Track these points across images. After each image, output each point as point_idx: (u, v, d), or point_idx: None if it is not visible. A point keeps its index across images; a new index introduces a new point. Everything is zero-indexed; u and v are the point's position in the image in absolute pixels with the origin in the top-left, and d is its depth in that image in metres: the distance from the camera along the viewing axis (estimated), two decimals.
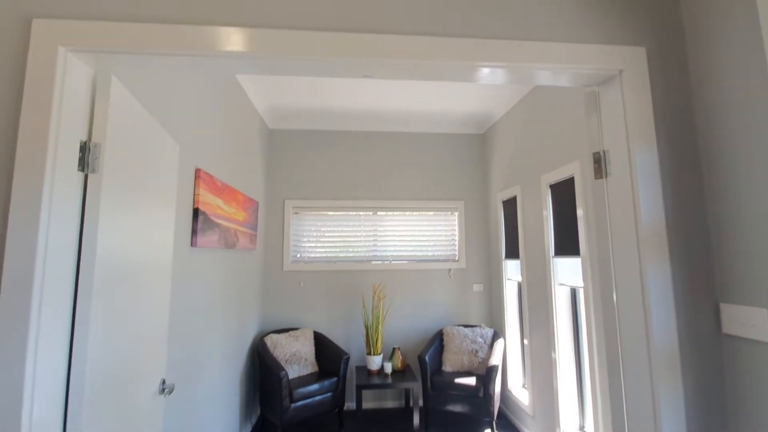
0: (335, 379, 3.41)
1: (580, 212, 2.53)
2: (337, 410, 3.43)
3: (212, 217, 2.54)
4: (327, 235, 4.21)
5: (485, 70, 1.18)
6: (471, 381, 3.34)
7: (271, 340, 3.54)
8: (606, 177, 1.19)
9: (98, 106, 1.06)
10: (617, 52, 1.20)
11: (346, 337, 4.04)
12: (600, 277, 1.20)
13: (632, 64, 1.20)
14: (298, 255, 4.15)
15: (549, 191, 3.00)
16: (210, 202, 2.51)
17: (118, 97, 1.15)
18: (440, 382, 3.40)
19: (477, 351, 3.68)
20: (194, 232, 2.25)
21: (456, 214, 4.36)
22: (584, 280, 2.47)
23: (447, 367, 3.67)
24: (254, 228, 3.63)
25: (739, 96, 1.11)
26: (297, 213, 4.22)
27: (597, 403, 2.32)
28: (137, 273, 1.36)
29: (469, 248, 4.30)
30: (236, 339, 3.09)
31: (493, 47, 1.16)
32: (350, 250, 4.20)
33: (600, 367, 2.30)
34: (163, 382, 1.57)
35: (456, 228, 4.34)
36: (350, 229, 4.23)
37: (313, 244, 4.19)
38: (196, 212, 2.28)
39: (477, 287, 4.24)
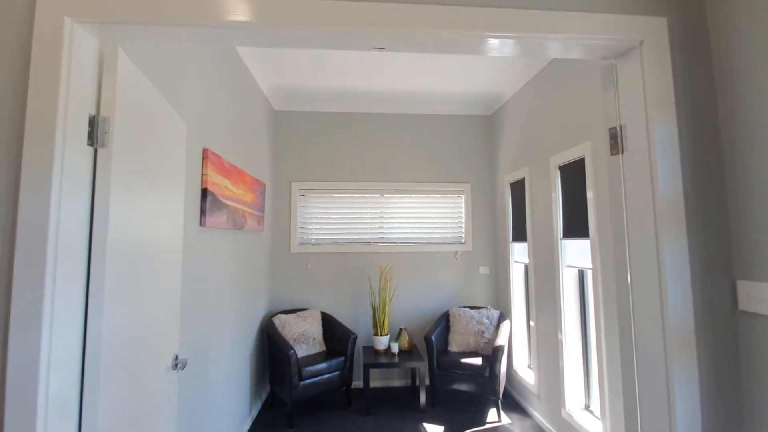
0: (343, 358, 3.45)
1: (590, 194, 2.50)
2: (344, 388, 3.49)
3: (220, 198, 2.54)
4: (334, 218, 4.21)
5: (495, 42, 1.14)
6: (477, 361, 3.37)
7: (279, 320, 3.58)
8: (622, 152, 1.16)
9: (106, 79, 1.05)
10: (637, 23, 1.16)
11: (353, 317, 4.08)
12: (615, 254, 1.18)
13: (653, 35, 1.16)
14: (305, 237, 4.16)
15: (558, 173, 2.96)
16: (218, 183, 2.50)
17: (126, 71, 1.13)
18: (446, 361, 3.43)
19: (483, 332, 3.71)
20: (203, 212, 2.26)
21: (463, 196, 4.33)
22: (593, 261, 2.45)
23: (453, 348, 3.70)
24: (261, 210, 3.63)
25: (762, 71, 1.07)
26: (304, 195, 4.21)
27: (603, 382, 2.33)
28: (149, 251, 1.36)
29: (476, 231, 4.29)
30: (246, 319, 3.13)
31: (504, 17, 1.12)
32: (357, 232, 4.20)
33: (607, 348, 2.31)
34: (176, 357, 1.59)
35: (463, 210, 4.32)
36: (357, 211, 4.23)
37: (320, 227, 4.19)
38: (204, 192, 2.28)
39: (483, 269, 4.24)
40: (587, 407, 2.76)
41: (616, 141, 1.18)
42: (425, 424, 3.16)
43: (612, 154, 1.18)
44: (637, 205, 1.12)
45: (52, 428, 0.93)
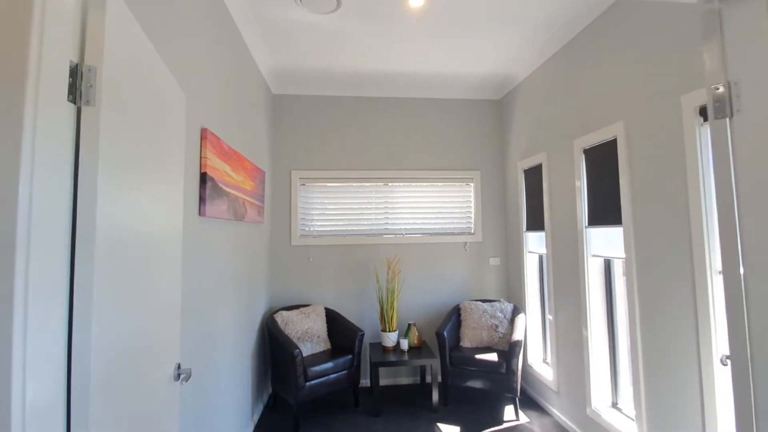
0: (350, 356, 3.26)
1: (623, 177, 2.32)
2: (352, 388, 3.30)
3: (220, 185, 2.30)
4: (336, 208, 3.98)
5: None
6: (492, 357, 3.20)
7: (281, 317, 3.36)
8: (731, 115, 0.96)
9: (92, 17, 0.81)
10: None
11: (359, 313, 3.87)
12: (721, 241, 0.99)
13: None
14: (307, 228, 3.93)
15: (583, 156, 2.77)
16: (218, 167, 2.26)
17: (117, 14, 0.89)
18: (459, 358, 3.26)
19: (497, 326, 3.54)
20: (202, 199, 2.02)
21: (471, 184, 4.14)
22: (627, 250, 2.28)
23: (465, 343, 3.53)
24: (261, 199, 3.39)
25: None
26: (304, 184, 3.97)
27: (639, 381, 2.17)
28: (145, 241, 1.13)
29: (486, 221, 4.10)
30: (246, 316, 2.91)
31: None
32: (361, 223, 3.98)
33: (646, 344, 2.14)
34: (179, 367, 1.37)
35: (471, 199, 4.13)
36: (361, 201, 4.01)
37: (322, 217, 3.97)
38: (203, 177, 2.04)
39: (494, 261, 4.06)
40: (615, 405, 2.60)
41: (721, 103, 0.98)
42: (440, 425, 2.99)
43: (716, 117, 0.98)
44: (754, 178, 0.93)
45: None
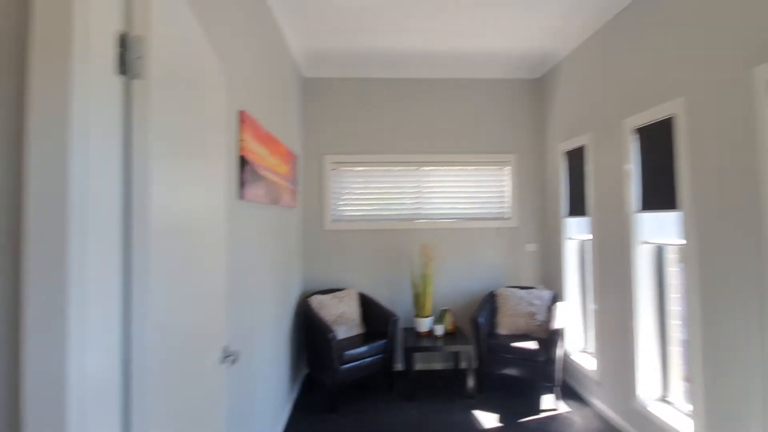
0: (384, 341, 3.24)
1: (682, 158, 2.15)
2: (386, 372, 3.30)
3: (258, 169, 2.28)
4: (368, 193, 3.94)
5: None
6: (530, 344, 3.11)
7: (316, 301, 3.38)
8: None
9: None
10: None
11: (392, 298, 3.85)
12: None
13: None
14: (339, 213, 3.91)
15: (634, 137, 2.59)
16: (255, 151, 2.24)
17: None
18: (495, 345, 3.19)
19: (534, 313, 3.43)
20: (242, 183, 2.00)
21: (507, 168, 3.99)
22: (687, 236, 2.12)
23: (501, 330, 3.45)
24: (294, 183, 3.38)
25: None
26: (336, 169, 3.93)
27: (698, 377, 2.04)
28: (193, 223, 1.11)
29: (522, 205, 3.96)
30: (282, 299, 2.93)
31: None
32: (393, 208, 3.92)
33: (708, 338, 1.99)
34: (226, 349, 1.37)
35: (507, 183, 3.98)
36: (393, 186, 3.94)
37: (354, 202, 3.93)
38: (242, 161, 2.02)
39: (530, 247, 3.93)
40: (664, 398, 2.48)
41: None
42: (476, 412, 2.94)
43: None
44: None
45: None
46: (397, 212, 3.92)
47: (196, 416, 1.11)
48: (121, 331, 0.77)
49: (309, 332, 3.22)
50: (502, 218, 3.95)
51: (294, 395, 3.18)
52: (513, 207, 3.94)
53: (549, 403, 3.08)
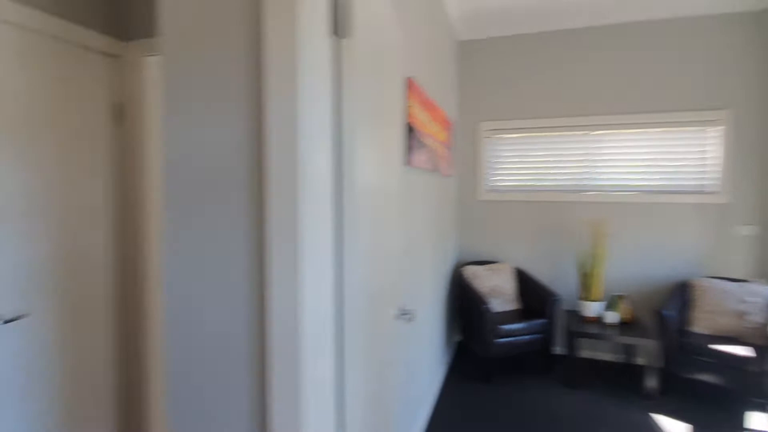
0: (544, 320, 3.02)
1: None
2: (543, 353, 3.10)
3: (421, 135, 2.29)
4: (527, 161, 3.63)
5: None
6: (741, 350, 2.49)
7: (469, 271, 3.34)
8: None
9: None
10: None
11: (552, 276, 3.55)
12: None
13: None
14: (494, 183, 3.73)
15: None
16: (419, 118, 2.25)
17: None
18: (688, 344, 2.65)
19: (746, 313, 2.73)
20: (409, 149, 2.04)
21: (714, 129, 3.16)
22: None
23: (697, 328, 2.85)
24: (451, 151, 3.33)
25: None
26: (491, 137, 3.73)
27: None
28: (379, 187, 1.15)
29: (737, 176, 3.11)
30: (439, 267, 2.97)
31: None
32: (556, 178, 3.54)
33: None
34: (403, 307, 1.43)
35: (714, 148, 3.17)
36: (556, 153, 3.54)
37: (510, 172, 3.69)
38: (409, 127, 2.05)
39: (746, 230, 3.09)
40: None
41: None
42: (656, 415, 2.53)
43: None
44: None
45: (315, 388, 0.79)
46: (559, 183, 3.53)
47: (384, 361, 1.19)
48: (334, 282, 0.84)
49: (463, 301, 3.22)
50: (702, 192, 3.19)
51: (448, 360, 3.25)
52: (722, 178, 3.13)
53: (758, 422, 2.44)
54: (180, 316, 0.87)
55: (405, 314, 1.44)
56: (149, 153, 1.78)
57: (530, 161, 3.63)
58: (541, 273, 3.57)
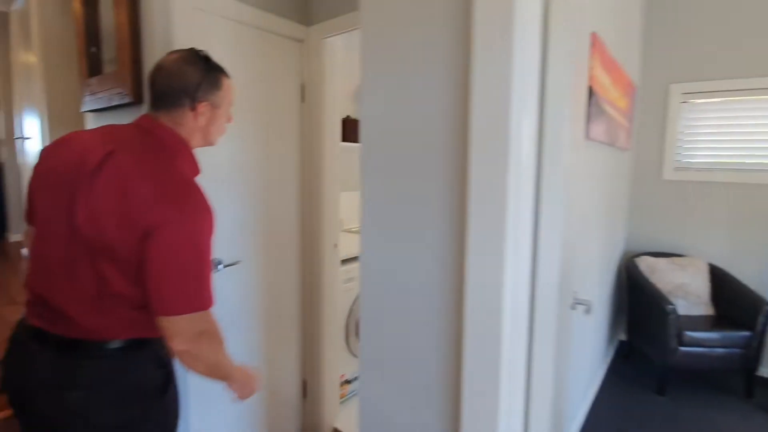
0: (747, 333, 2.41)
1: None
2: (744, 373, 2.49)
3: (601, 102, 1.98)
4: (734, 132, 2.85)
5: None
6: None
7: (645, 263, 2.85)
8: None
9: None
10: None
11: (761, 278, 2.79)
12: None
13: None
14: (687, 160, 3.05)
15: None
16: (600, 81, 1.93)
17: None
18: None
19: None
20: (589, 118, 1.78)
21: None
22: None
23: None
24: (631, 121, 2.83)
25: None
26: (686, 102, 3.02)
27: None
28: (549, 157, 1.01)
29: None
30: (607, 254, 2.61)
31: None
32: None
33: None
34: (577, 297, 1.28)
35: None
36: None
37: (709, 146, 2.96)
38: (590, 92, 1.78)
39: None
40: None
41: None
42: None
43: None
44: None
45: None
46: None
47: (563, 350, 1.08)
48: (531, 257, 0.77)
49: (634, 297, 2.78)
50: None
51: (608, 359, 2.89)
52: None
53: None
54: (374, 273, 0.95)
55: (580, 304, 1.28)
56: (326, 131, 1.94)
57: (737, 133, 2.85)
58: (746, 274, 2.83)
